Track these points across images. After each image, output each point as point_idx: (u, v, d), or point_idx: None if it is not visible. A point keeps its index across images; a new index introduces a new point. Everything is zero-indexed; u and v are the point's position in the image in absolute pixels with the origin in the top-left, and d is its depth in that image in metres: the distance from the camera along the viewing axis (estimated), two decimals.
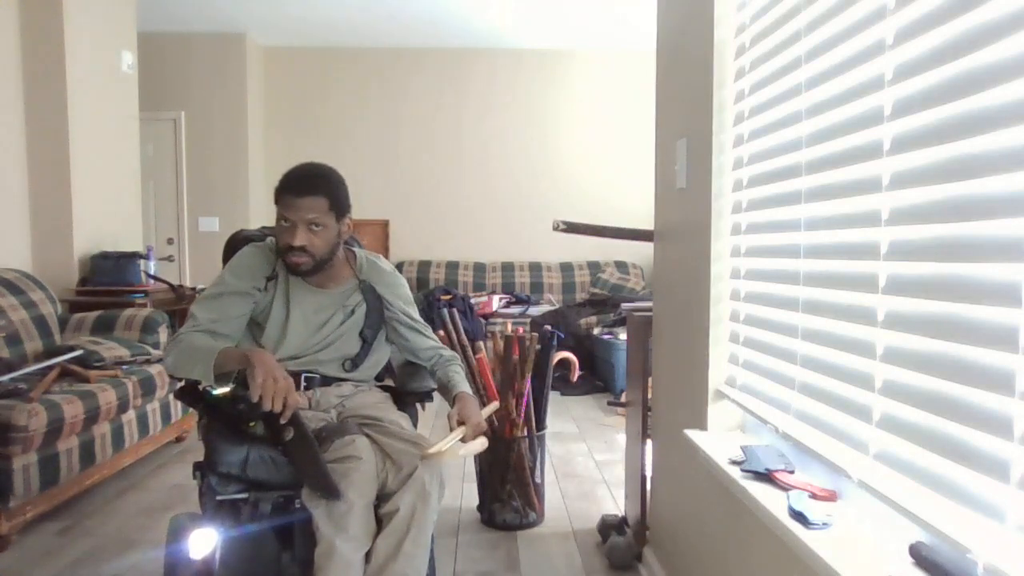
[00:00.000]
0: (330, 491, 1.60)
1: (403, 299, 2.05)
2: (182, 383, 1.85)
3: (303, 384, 1.92)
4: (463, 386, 1.97)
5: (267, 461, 1.69)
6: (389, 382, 2.16)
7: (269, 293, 1.92)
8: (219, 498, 1.69)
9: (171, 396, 3.51)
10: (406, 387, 2.03)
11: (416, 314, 2.08)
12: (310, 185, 1.83)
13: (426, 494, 1.66)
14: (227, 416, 1.71)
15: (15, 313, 3.36)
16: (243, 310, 1.89)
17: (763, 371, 1.49)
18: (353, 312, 1.97)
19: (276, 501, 1.73)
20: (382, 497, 1.69)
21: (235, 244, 2.09)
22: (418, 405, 2.09)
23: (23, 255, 4.01)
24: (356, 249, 2.09)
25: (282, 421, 1.61)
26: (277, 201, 1.84)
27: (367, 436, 1.74)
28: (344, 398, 1.95)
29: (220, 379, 1.70)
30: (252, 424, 1.69)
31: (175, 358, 1.77)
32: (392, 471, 1.69)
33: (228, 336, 1.86)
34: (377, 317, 2.00)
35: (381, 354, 2.06)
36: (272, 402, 1.58)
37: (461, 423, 1.79)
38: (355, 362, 1.98)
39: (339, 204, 1.87)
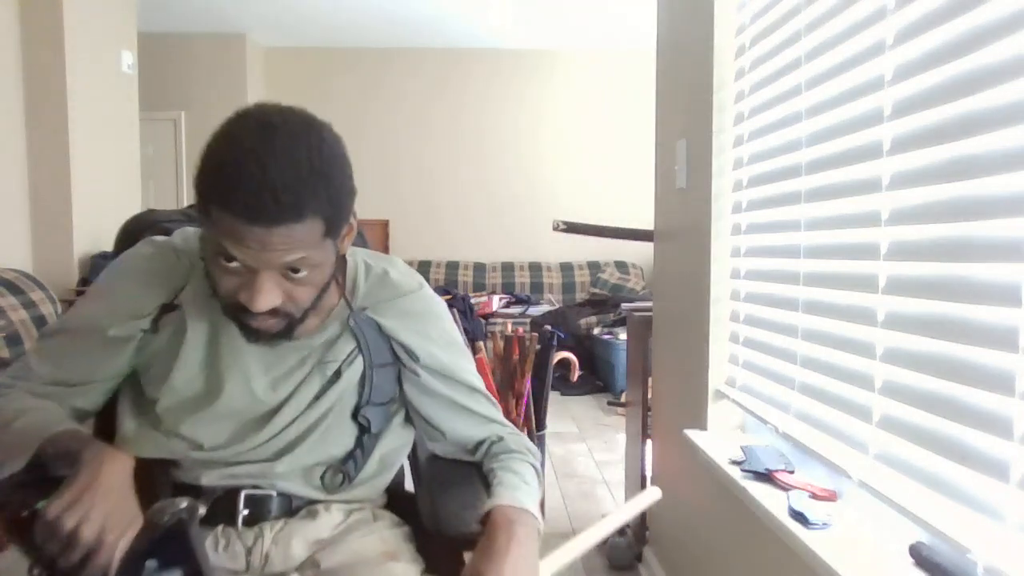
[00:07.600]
0: None
1: (439, 343, 1.12)
2: None
3: (240, 507, 1.00)
4: (504, 497, 0.98)
5: None
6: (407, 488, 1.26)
7: (163, 333, 1.02)
8: None
9: None
10: (440, 523, 1.05)
11: (468, 372, 1.15)
12: (287, 204, 0.84)
13: None
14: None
15: (15, 313, 3.36)
16: (110, 369, 1.04)
17: (763, 371, 1.49)
18: (340, 374, 1.04)
19: None
20: None
21: (132, 234, 1.20)
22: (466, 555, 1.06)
23: (23, 255, 4.00)
24: (348, 254, 1.10)
25: None
26: (207, 216, 0.87)
27: None
28: (320, 545, 1.02)
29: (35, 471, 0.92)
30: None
31: None
32: None
33: (80, 409, 1.05)
34: (387, 379, 1.09)
35: (395, 442, 1.14)
36: (62, 551, 0.79)
37: None
38: (346, 472, 1.04)
39: (340, 215, 0.91)
